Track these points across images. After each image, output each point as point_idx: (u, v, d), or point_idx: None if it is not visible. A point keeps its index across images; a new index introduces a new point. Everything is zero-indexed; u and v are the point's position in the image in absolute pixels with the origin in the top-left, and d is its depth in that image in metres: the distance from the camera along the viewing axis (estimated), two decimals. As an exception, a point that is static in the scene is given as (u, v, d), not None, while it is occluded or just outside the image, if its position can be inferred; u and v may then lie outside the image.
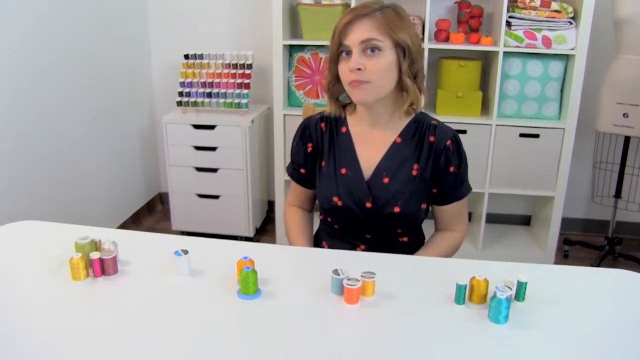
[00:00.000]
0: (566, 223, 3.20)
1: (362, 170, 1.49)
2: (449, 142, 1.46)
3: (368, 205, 1.47)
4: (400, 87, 1.41)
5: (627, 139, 2.85)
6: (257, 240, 3.25)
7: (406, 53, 1.38)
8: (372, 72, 1.35)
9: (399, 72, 1.39)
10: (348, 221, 1.52)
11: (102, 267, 1.22)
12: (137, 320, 1.07)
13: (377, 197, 1.46)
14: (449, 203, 1.52)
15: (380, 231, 1.51)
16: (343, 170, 1.50)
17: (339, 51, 1.39)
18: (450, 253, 1.54)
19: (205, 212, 3.17)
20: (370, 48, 1.34)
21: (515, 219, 3.42)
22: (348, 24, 1.36)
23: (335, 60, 1.42)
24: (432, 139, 1.47)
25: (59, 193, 2.67)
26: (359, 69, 1.34)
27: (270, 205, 3.49)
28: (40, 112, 2.50)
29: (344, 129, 1.53)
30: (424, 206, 1.50)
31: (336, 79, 1.45)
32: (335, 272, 1.16)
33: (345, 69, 1.38)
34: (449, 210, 1.53)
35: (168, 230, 3.27)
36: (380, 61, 1.35)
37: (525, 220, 3.42)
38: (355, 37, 1.35)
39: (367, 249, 1.52)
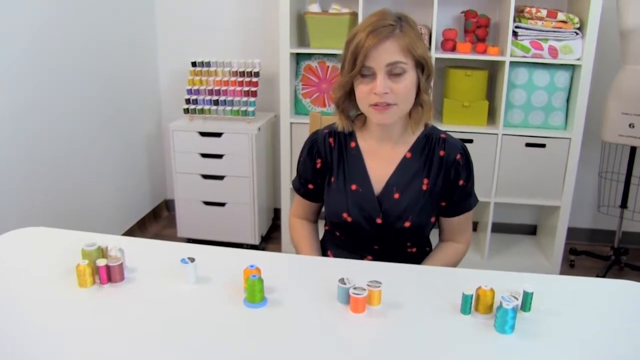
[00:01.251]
0: (572, 233, 3.19)
1: (373, 185, 1.48)
2: (458, 156, 1.46)
3: (378, 221, 1.47)
4: (416, 102, 1.41)
5: (633, 149, 2.85)
6: (263, 248, 3.25)
7: (424, 69, 1.38)
8: (398, 94, 1.34)
9: (417, 89, 1.39)
10: (357, 235, 1.52)
11: (109, 274, 1.22)
12: (143, 327, 1.08)
13: (388, 213, 1.46)
14: (456, 215, 1.52)
15: (388, 243, 1.51)
16: (353, 187, 1.49)
17: (359, 71, 1.36)
18: (453, 264, 1.54)
19: (211, 220, 3.18)
20: (394, 69, 1.33)
21: (521, 229, 3.41)
22: (373, 47, 1.32)
23: (351, 77, 1.38)
24: (442, 153, 1.47)
25: (65, 199, 2.68)
26: (386, 93, 1.33)
27: (276, 212, 3.49)
28: (47, 118, 2.51)
29: (352, 144, 1.52)
30: (432, 219, 1.51)
31: (348, 95, 1.44)
32: (342, 281, 1.16)
33: (366, 90, 1.36)
34: (455, 222, 1.54)
35: (174, 237, 3.28)
36: (405, 83, 1.34)
37: (531, 230, 3.41)
38: (381, 60, 1.32)
39: (374, 259, 1.52)
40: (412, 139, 1.49)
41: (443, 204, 1.50)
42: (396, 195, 1.46)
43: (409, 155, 1.48)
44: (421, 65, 1.37)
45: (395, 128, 1.46)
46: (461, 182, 1.47)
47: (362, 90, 1.37)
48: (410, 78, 1.35)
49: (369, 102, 1.37)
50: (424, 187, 1.47)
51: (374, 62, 1.33)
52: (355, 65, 1.35)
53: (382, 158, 1.49)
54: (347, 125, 1.50)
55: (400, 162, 1.48)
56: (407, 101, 1.38)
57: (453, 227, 1.55)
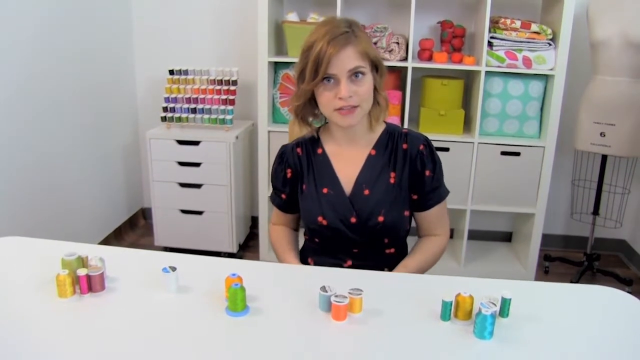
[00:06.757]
0: (546, 239, 3.25)
1: (343, 187, 1.52)
2: (421, 147, 1.51)
3: (353, 220, 1.49)
4: (375, 100, 1.47)
5: (604, 158, 2.91)
6: (241, 257, 3.24)
7: (378, 69, 1.45)
8: (360, 96, 1.40)
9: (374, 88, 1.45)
10: (335, 239, 1.53)
11: (89, 283, 1.21)
12: (125, 337, 1.07)
13: (360, 210, 1.49)
14: (429, 208, 1.55)
15: (367, 244, 1.53)
16: (324, 190, 1.53)
17: (321, 79, 1.39)
18: (437, 257, 1.57)
19: (189, 228, 3.16)
20: (355, 74, 1.39)
21: (496, 236, 3.46)
22: (334, 56, 1.36)
23: (313, 85, 1.41)
24: (405, 146, 1.52)
25: (41, 207, 2.64)
26: (350, 97, 1.38)
27: (254, 221, 3.48)
28: (23, 126, 2.48)
29: (319, 150, 1.57)
30: (406, 213, 1.53)
31: (307, 102, 1.48)
32: (323, 289, 1.17)
33: (330, 96, 1.40)
34: (431, 215, 1.57)
35: (150, 246, 3.25)
36: (366, 85, 1.41)
37: (507, 237, 3.46)
38: (342, 67, 1.37)
39: (355, 263, 1.54)
40: (374, 137, 1.54)
41: (415, 197, 1.54)
42: (366, 192, 1.50)
43: (373, 152, 1.53)
44: (375, 66, 1.44)
45: (358, 129, 1.51)
46: (427, 173, 1.51)
47: (326, 97, 1.41)
48: (369, 80, 1.42)
49: (333, 107, 1.41)
50: (392, 181, 1.51)
51: (336, 69, 1.38)
52: (317, 73, 1.39)
53: (348, 159, 1.54)
54: (308, 130, 1.56)
55: (366, 160, 1.52)
56: (369, 101, 1.44)
57: (429, 220, 1.58)
